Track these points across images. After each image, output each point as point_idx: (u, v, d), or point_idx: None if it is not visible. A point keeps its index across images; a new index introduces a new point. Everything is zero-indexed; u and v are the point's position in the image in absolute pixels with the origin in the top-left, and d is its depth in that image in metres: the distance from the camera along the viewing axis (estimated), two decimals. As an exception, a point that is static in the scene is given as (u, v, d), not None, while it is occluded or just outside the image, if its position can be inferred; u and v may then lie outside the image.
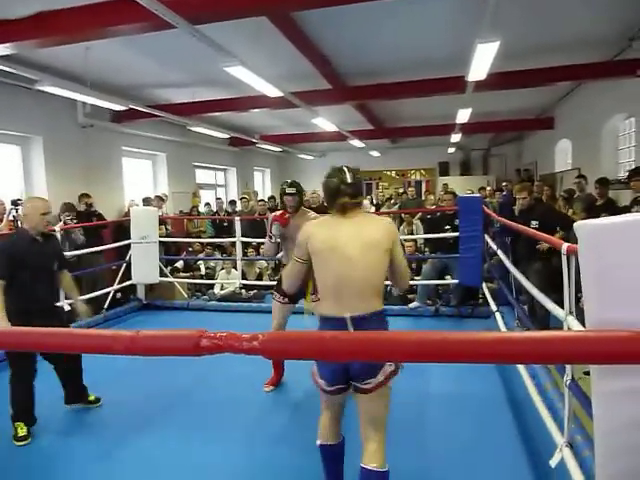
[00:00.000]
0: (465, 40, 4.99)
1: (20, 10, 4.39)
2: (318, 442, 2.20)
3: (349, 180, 2.07)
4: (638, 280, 0.67)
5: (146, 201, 8.13)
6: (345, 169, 2.12)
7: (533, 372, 3.38)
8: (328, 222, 2.11)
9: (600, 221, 0.75)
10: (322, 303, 2.11)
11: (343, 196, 2.04)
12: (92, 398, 3.57)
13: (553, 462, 2.31)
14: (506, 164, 14.98)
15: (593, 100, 8.04)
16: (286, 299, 3.58)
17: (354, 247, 1.97)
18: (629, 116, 7.02)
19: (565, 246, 2.25)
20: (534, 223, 4.80)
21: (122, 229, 6.85)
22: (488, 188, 10.91)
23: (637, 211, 4.57)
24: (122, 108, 6.91)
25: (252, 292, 7.27)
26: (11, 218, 5.58)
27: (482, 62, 5.16)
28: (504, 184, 10.36)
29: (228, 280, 7.18)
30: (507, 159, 15.02)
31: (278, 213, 3.51)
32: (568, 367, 2.31)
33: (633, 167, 5.63)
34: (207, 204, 10.51)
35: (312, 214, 3.44)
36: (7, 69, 5.33)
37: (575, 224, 0.76)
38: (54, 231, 5.27)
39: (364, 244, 1.98)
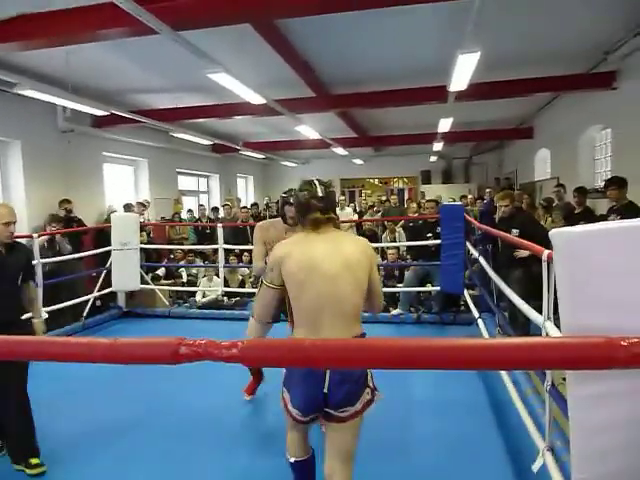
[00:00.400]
0: (448, 50, 5.06)
1: (1, 12, 4.32)
2: (291, 459, 2.12)
3: (320, 194, 1.95)
4: (611, 286, 0.68)
5: (127, 207, 8.05)
6: (316, 182, 2.01)
7: (514, 378, 3.42)
8: (301, 240, 1.94)
9: (575, 229, 0.77)
10: (298, 332, 1.93)
11: (314, 211, 1.92)
12: (35, 462, 2.82)
13: (535, 467, 2.34)
14: (487, 172, 15.20)
15: (570, 111, 8.22)
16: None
17: (333, 263, 1.85)
18: (605, 127, 7.19)
19: (546, 253, 2.28)
20: (515, 231, 4.86)
21: (103, 235, 6.76)
22: (470, 196, 11.05)
23: (613, 219, 4.67)
24: (103, 113, 6.84)
25: (234, 299, 7.22)
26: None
27: (463, 72, 5.24)
28: (488, 191, 10.47)
29: (210, 287, 7.12)
30: (488, 168, 15.25)
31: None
32: (548, 373, 2.34)
33: (609, 177, 5.76)
34: (189, 211, 10.44)
35: None
36: (-15, 72, 5.24)
37: (551, 232, 0.78)
38: (31, 237, 5.18)
39: (344, 260, 1.86)
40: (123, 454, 2.99)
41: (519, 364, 0.75)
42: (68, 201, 6.96)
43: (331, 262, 1.85)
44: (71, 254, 6.12)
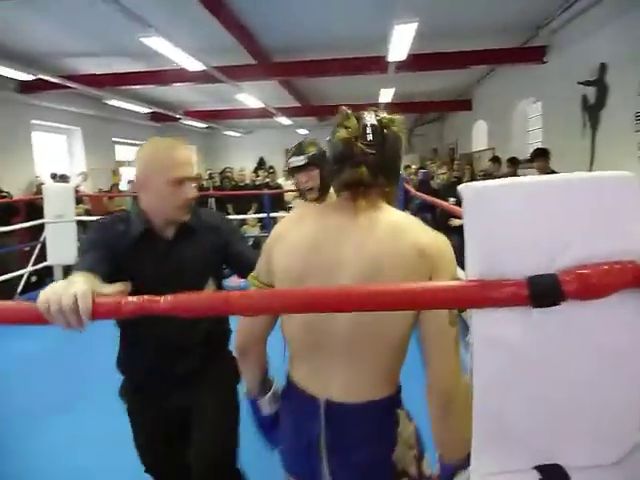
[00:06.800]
0: (386, 20, 5.09)
1: None
2: None
3: (370, 136, 1.08)
4: (509, 237, 0.72)
5: (62, 178, 7.69)
6: (366, 116, 1.15)
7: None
8: (319, 218, 1.11)
9: (480, 183, 0.80)
10: (293, 362, 1.18)
11: (356, 165, 1.06)
12: None
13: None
14: (430, 144, 15.55)
15: (505, 84, 8.53)
16: None
17: (365, 267, 1.02)
18: (536, 100, 7.52)
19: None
20: (452, 200, 5.06)
21: (35, 208, 6.42)
22: (413, 166, 11.28)
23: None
24: (29, 78, 6.42)
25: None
26: None
27: (401, 43, 5.32)
28: (429, 161, 10.71)
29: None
30: (430, 139, 15.59)
31: None
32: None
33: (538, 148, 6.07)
34: (130, 181, 10.08)
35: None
36: None
37: (459, 186, 0.80)
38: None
39: (379, 267, 1.01)
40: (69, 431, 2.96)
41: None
42: (-6, 173, 6.56)
43: (355, 268, 1.02)
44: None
